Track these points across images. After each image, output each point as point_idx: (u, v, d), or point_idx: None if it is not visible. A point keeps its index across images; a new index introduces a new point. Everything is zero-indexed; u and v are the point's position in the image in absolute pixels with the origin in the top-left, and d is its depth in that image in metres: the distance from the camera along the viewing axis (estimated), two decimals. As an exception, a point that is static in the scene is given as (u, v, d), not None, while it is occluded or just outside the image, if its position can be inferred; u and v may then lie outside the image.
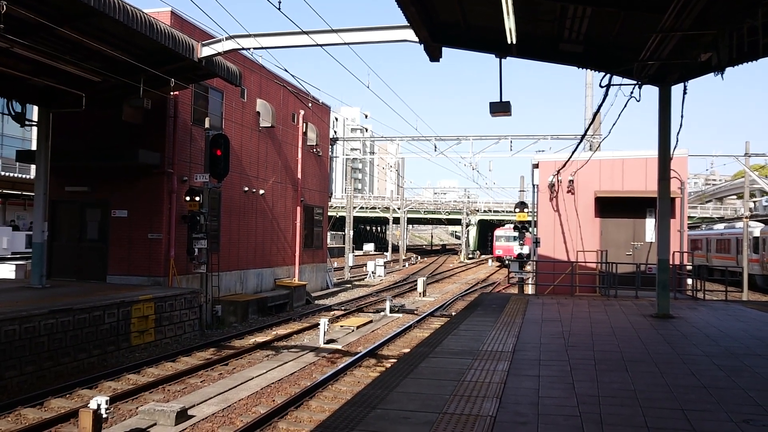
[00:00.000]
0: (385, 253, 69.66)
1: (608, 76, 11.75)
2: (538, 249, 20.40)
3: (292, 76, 15.50)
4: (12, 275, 19.70)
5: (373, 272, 39.17)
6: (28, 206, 33.00)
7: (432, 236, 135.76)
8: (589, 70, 26.24)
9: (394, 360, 13.47)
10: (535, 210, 21.32)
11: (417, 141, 37.21)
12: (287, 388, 11.41)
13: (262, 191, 22.98)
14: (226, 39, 13.95)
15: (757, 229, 34.17)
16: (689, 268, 19.17)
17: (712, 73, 10.27)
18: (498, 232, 61.39)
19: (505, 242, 57.22)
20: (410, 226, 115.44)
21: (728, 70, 9.96)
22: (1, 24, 10.13)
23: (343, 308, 23.09)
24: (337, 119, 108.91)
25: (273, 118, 23.14)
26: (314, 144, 27.84)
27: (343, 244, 49.89)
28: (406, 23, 10.88)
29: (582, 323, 11.40)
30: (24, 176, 32.68)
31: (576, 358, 8.18)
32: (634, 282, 16.96)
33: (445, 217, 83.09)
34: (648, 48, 10.08)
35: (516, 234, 49.33)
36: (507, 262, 51.64)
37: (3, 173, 32.52)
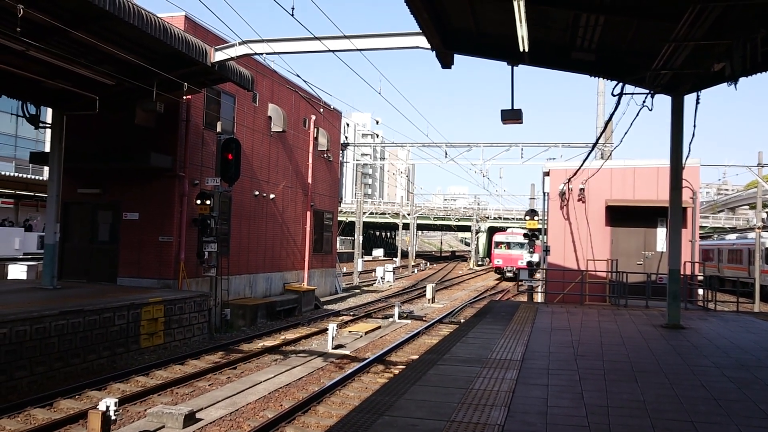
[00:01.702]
0: (394, 259, 69.60)
1: (620, 84, 11.72)
2: (548, 257, 20.33)
3: (304, 81, 15.56)
4: (24, 276, 19.85)
5: (382, 278, 39.16)
6: (40, 207, 33.24)
7: (441, 243, 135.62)
8: (601, 79, 26.22)
9: (403, 366, 13.45)
10: (546, 218, 21.25)
11: (427, 147, 37.21)
12: (295, 393, 11.41)
13: (272, 196, 23.04)
14: (239, 44, 14.02)
15: (769, 239, 33.88)
16: (700, 278, 19.04)
17: (726, 83, 10.25)
18: (497, 237, 50.74)
19: (506, 250, 48.13)
20: (420, 232, 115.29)
21: (742, 80, 9.93)
22: (17, 27, 10.24)
23: (351, 313, 23.08)
24: (348, 125, 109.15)
25: (284, 122, 23.23)
26: (325, 149, 27.92)
27: (353, 249, 49.92)
28: (418, 30, 10.90)
29: (591, 332, 11.34)
30: (37, 177, 32.91)
31: (585, 368, 8.14)
32: (644, 292, 16.86)
33: (454, 223, 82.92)
34: (661, 57, 10.05)
35: (521, 240, 44.30)
36: (509, 273, 45.80)
37: (16, 174, 32.77)
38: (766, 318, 14.94)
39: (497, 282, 44.73)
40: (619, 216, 19.45)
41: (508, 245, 47.97)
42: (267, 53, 14.11)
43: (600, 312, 14.68)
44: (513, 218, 76.86)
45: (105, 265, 18.22)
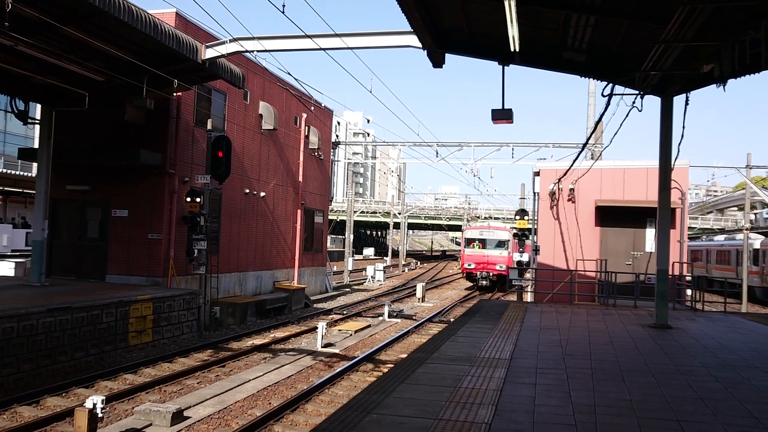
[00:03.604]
0: (384, 258, 69.66)
1: (610, 85, 11.78)
2: (537, 257, 20.39)
3: (295, 79, 15.50)
4: (11, 273, 19.69)
5: (372, 277, 39.17)
6: (29, 204, 33.03)
7: (432, 242, 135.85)
8: (591, 79, 26.32)
9: (392, 365, 13.45)
10: (536, 218, 21.32)
11: (419, 146, 37.26)
12: (284, 391, 11.40)
13: (263, 194, 22.99)
14: (230, 41, 13.98)
15: (757, 241, 34.16)
16: (689, 278, 19.16)
17: (715, 85, 10.32)
18: (469, 233, 37.50)
19: (481, 249, 35.52)
20: (410, 232, 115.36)
21: (730, 81, 10.00)
22: (6, 22, 10.17)
23: (341, 312, 23.07)
24: (339, 123, 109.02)
25: (275, 120, 23.17)
26: (316, 147, 27.87)
27: (343, 248, 49.88)
28: (409, 29, 10.89)
29: (580, 332, 11.38)
30: (26, 174, 32.71)
31: (573, 367, 8.17)
32: (633, 292, 16.95)
33: (445, 223, 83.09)
34: (650, 58, 10.10)
35: (500, 236, 35.47)
36: (483, 282, 34.63)
37: (5, 171, 32.55)
38: (753, 318, 15.05)
39: (468, 292, 34.42)
40: (609, 216, 19.54)
41: (483, 243, 35.69)
42: (258, 51, 14.06)
43: (589, 312, 14.75)
44: (504, 218, 77.02)
45: (94, 262, 18.12)
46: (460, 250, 49.28)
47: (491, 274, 34.56)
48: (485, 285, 34.67)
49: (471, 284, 37.31)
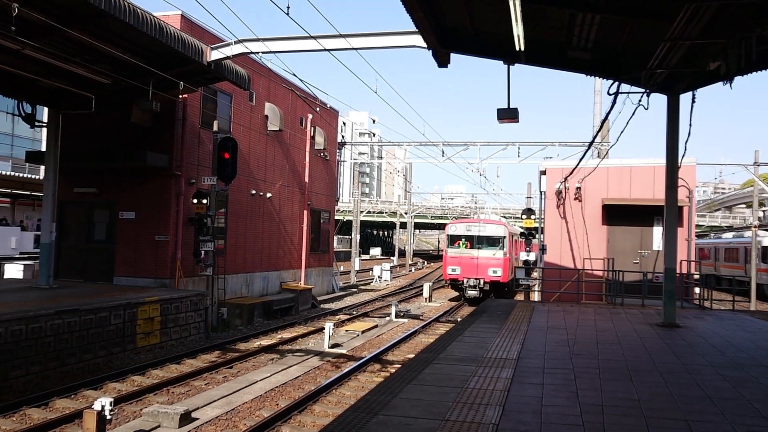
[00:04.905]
0: (391, 258, 69.63)
1: (616, 83, 11.74)
2: (544, 256, 20.35)
3: (301, 80, 15.56)
4: (20, 275, 19.80)
5: (379, 277, 39.18)
6: (36, 206, 33.18)
7: (439, 241, 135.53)
8: (597, 77, 26.19)
9: (399, 365, 13.45)
10: (542, 217, 21.27)
11: (425, 146, 37.21)
12: (291, 392, 11.41)
13: (269, 194, 23.03)
14: (235, 43, 14.01)
15: (765, 238, 33.97)
16: (696, 277, 19.08)
17: (721, 82, 10.27)
18: (453, 229, 28.39)
19: (468, 250, 27.20)
20: (417, 231, 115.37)
21: (737, 79, 9.95)
22: (12, 26, 10.22)
23: (348, 312, 23.08)
24: (345, 124, 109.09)
25: (281, 121, 23.21)
26: (322, 148, 27.90)
27: (350, 248, 49.85)
28: (414, 29, 10.90)
29: (587, 331, 11.35)
30: (33, 177, 32.85)
31: (580, 367, 8.15)
32: (640, 290, 16.89)
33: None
34: (656, 56, 10.06)
35: (495, 233, 27.49)
36: (471, 291, 26.39)
37: (13, 173, 32.72)
38: (762, 316, 14.98)
39: (453, 304, 26.99)
40: (616, 215, 19.49)
41: (472, 241, 27.38)
42: (263, 52, 14.10)
43: (596, 311, 14.71)
44: (510, 217, 76.91)
45: (101, 264, 18.19)
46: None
47: (482, 281, 26.48)
48: (474, 296, 26.44)
49: (457, 293, 29.27)
